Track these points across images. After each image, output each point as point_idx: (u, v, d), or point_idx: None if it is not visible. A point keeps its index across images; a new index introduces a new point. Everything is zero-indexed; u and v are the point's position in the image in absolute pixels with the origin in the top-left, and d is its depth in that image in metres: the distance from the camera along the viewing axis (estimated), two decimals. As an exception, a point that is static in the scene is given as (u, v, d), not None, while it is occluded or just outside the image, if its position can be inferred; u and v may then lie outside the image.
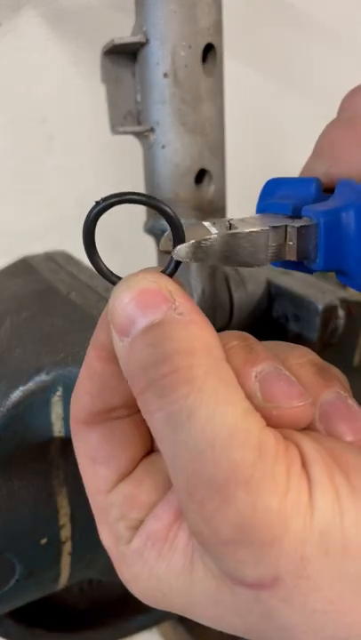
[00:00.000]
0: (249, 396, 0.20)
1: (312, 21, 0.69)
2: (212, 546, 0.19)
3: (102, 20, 0.55)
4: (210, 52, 0.36)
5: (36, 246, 0.49)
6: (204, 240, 0.21)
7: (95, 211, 0.20)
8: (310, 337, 0.40)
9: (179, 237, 0.21)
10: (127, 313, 0.20)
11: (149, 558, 0.22)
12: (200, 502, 0.19)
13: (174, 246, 0.21)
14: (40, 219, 0.62)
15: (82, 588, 0.47)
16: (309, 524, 0.18)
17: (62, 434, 0.34)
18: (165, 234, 0.21)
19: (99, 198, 0.20)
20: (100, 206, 0.20)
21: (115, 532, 0.23)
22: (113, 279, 0.22)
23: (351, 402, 0.23)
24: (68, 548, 0.37)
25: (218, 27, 0.36)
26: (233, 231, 0.21)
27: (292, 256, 0.22)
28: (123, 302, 0.20)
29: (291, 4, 0.67)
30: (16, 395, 0.32)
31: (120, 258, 0.62)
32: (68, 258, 0.47)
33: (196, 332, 0.20)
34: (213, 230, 0.21)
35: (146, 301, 0.20)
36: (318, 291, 0.40)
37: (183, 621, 0.55)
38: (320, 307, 0.39)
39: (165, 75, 0.35)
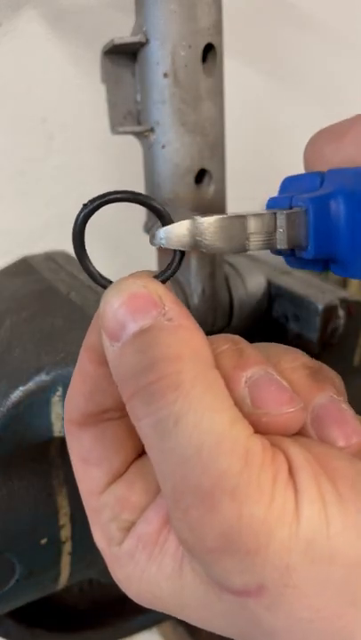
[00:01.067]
0: (238, 402, 0.20)
1: (312, 21, 0.69)
2: (197, 553, 0.19)
3: (102, 20, 0.55)
4: (210, 52, 0.36)
5: (36, 246, 0.49)
6: (181, 225, 0.21)
7: (83, 214, 0.20)
8: (310, 337, 0.40)
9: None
10: (118, 318, 0.20)
11: (140, 560, 0.22)
12: (186, 510, 0.19)
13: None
14: (40, 219, 0.62)
15: (82, 587, 0.47)
16: (295, 532, 0.18)
17: (62, 434, 0.34)
18: (155, 225, 0.21)
19: (86, 201, 0.20)
20: (88, 209, 0.20)
21: (107, 532, 0.23)
22: (103, 282, 0.21)
23: (345, 406, 0.22)
24: (68, 548, 0.37)
25: (218, 27, 0.36)
26: (208, 217, 0.21)
27: (283, 244, 0.22)
28: (113, 307, 0.20)
29: (291, 4, 0.67)
30: (16, 395, 0.32)
31: (120, 259, 0.62)
32: (68, 258, 0.47)
33: (185, 338, 0.20)
34: (196, 217, 0.21)
35: (136, 306, 0.20)
36: (318, 291, 0.40)
37: (183, 621, 0.55)
38: (320, 307, 0.39)
39: (165, 75, 0.35)
